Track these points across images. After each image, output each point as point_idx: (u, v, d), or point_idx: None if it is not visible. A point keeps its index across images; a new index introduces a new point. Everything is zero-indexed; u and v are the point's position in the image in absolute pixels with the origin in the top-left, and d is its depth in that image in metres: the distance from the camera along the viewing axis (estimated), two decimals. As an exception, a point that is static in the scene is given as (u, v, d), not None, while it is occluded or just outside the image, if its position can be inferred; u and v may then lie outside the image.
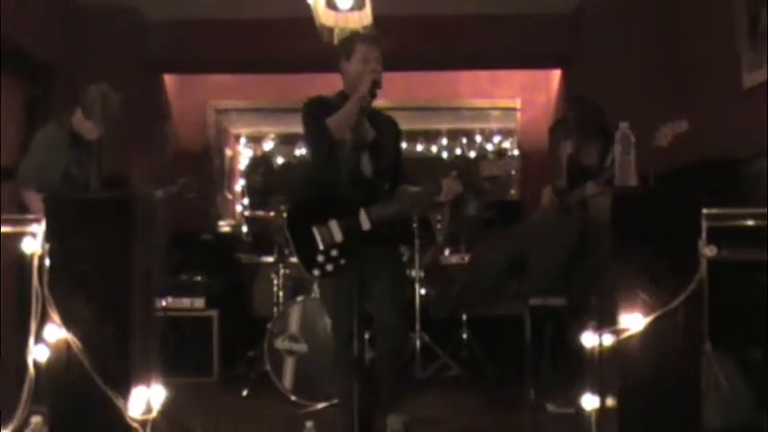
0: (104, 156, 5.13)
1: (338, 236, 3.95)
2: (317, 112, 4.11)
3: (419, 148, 9.47)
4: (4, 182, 5.73)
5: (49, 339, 3.04)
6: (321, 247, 4.00)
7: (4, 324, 5.10)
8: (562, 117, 5.79)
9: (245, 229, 8.81)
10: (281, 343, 5.64)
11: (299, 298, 5.84)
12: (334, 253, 4.00)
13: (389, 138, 4.22)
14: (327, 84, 8.07)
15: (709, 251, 3.06)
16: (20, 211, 4.81)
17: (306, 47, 6.31)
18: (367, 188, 4.01)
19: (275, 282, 6.43)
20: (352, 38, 4.25)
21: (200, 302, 6.66)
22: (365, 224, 3.96)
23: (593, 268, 3.43)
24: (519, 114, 8.97)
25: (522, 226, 5.41)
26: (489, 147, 9.36)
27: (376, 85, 3.88)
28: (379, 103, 4.11)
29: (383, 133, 4.18)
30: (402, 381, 4.36)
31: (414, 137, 9.35)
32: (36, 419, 3.07)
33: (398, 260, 4.39)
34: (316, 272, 4.05)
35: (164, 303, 6.40)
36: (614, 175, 4.75)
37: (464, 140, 9.48)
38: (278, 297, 6.39)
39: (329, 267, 4.02)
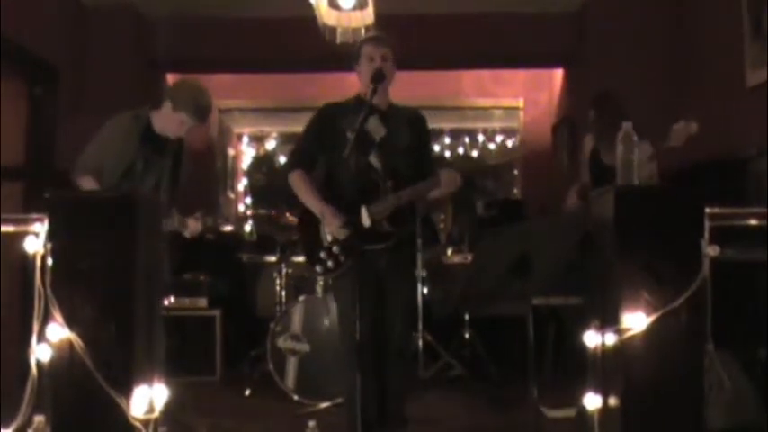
0: (185, 161, 4.80)
1: (367, 221, 3.99)
2: (318, 124, 4.22)
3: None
4: (6, 182, 5.74)
5: (51, 339, 3.04)
6: (326, 242, 4.08)
7: (7, 323, 5.11)
8: (566, 116, 5.78)
9: (247, 228, 8.81)
10: (283, 342, 5.65)
11: (302, 297, 5.85)
12: (335, 250, 4.06)
13: (408, 134, 4.18)
14: (329, 83, 8.13)
15: (711, 250, 3.06)
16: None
17: (308, 46, 6.32)
18: (372, 186, 4.04)
19: (278, 281, 6.43)
20: (360, 41, 4.30)
21: (202, 302, 6.67)
22: (365, 221, 3.99)
23: (596, 267, 3.42)
24: (522, 114, 8.97)
25: (526, 225, 5.40)
26: (492, 146, 9.36)
27: (376, 77, 3.91)
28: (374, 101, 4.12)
29: (401, 130, 4.17)
30: (406, 384, 4.38)
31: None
32: (39, 419, 3.07)
33: (413, 265, 4.39)
34: (318, 267, 4.13)
35: (166, 303, 6.40)
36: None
37: (467, 140, 9.48)
38: (280, 297, 6.39)
39: (330, 264, 4.08)
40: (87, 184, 4.39)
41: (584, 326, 3.40)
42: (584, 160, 5.44)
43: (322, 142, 4.13)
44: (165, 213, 4.51)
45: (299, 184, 4.18)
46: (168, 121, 4.55)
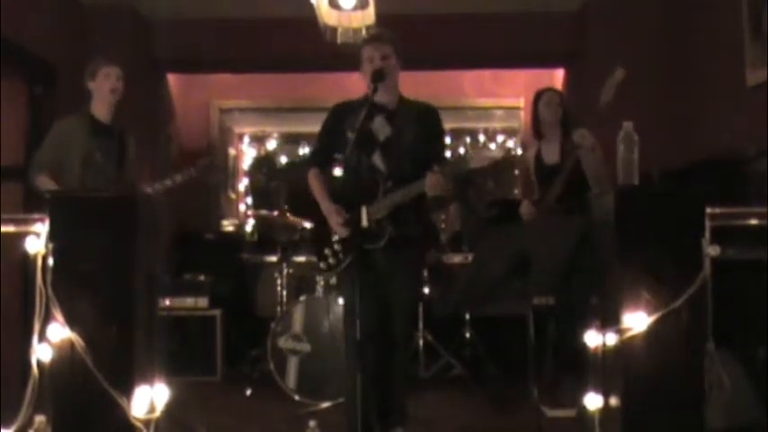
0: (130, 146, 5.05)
1: (365, 221, 4.05)
2: (330, 123, 4.29)
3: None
4: (6, 182, 5.73)
5: (52, 339, 3.04)
6: (335, 238, 4.15)
7: (8, 323, 5.11)
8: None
9: (248, 228, 8.81)
10: (284, 342, 5.65)
11: (303, 297, 5.85)
12: (337, 248, 4.15)
13: (415, 131, 4.16)
14: (330, 83, 8.13)
15: (712, 250, 3.06)
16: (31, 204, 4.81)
17: (309, 46, 6.31)
18: (373, 186, 4.08)
19: (279, 281, 6.43)
20: (361, 43, 4.30)
21: (203, 302, 6.67)
22: (364, 221, 4.04)
23: (597, 267, 3.42)
24: (522, 113, 8.96)
25: (526, 225, 5.40)
26: (492, 146, 9.36)
27: (375, 77, 3.94)
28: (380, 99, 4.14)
29: (407, 128, 4.15)
30: (407, 381, 4.41)
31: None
32: (40, 419, 3.07)
33: (415, 265, 4.39)
34: (321, 264, 4.25)
35: (167, 303, 6.41)
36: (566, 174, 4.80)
37: (468, 140, 9.46)
38: (281, 296, 6.39)
39: (332, 261, 4.18)
40: (43, 182, 4.67)
41: (575, 326, 3.40)
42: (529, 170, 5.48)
43: (333, 141, 4.17)
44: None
45: (313, 183, 4.29)
46: (101, 90, 4.88)
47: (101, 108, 4.90)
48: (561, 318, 5.15)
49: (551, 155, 5.30)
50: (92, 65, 4.92)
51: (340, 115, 4.20)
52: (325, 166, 4.29)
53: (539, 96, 5.40)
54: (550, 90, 5.49)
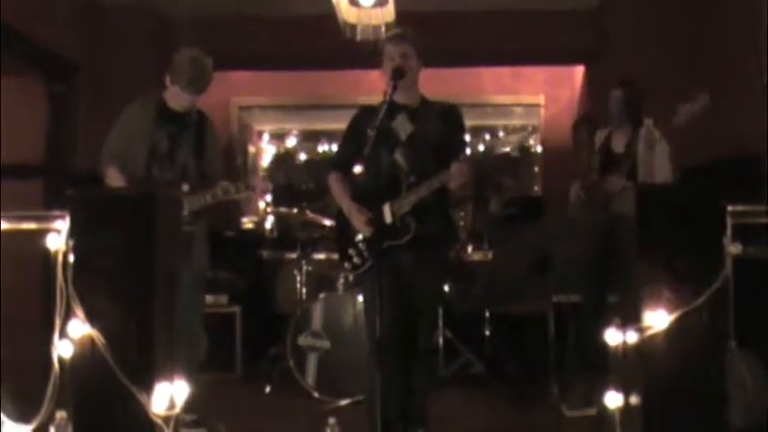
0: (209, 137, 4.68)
1: (388, 218, 4.04)
2: (352, 128, 4.28)
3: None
4: (26, 179, 5.77)
5: (73, 335, 3.06)
6: (357, 239, 4.14)
7: (31, 320, 5.14)
8: (586, 113, 5.72)
9: (268, 225, 8.82)
10: (303, 339, 5.65)
11: (322, 294, 5.85)
12: (361, 246, 4.13)
13: (438, 130, 4.16)
14: (350, 80, 8.13)
15: (734, 248, 3.04)
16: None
17: (329, 44, 6.32)
18: (396, 183, 4.07)
19: (298, 278, 6.44)
20: (382, 41, 4.29)
21: (223, 299, 6.69)
22: (387, 218, 4.02)
23: (618, 265, 3.41)
24: (542, 110, 8.94)
25: (546, 222, 5.38)
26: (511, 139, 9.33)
27: (395, 75, 3.93)
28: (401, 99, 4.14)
29: (430, 126, 4.16)
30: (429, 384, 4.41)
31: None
32: (61, 414, 3.09)
33: (439, 265, 4.37)
34: (346, 264, 4.22)
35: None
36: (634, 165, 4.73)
37: (487, 137, 9.44)
38: (301, 294, 6.40)
39: (356, 260, 4.16)
40: (112, 174, 4.39)
41: (600, 324, 3.38)
42: (594, 155, 5.40)
43: (355, 145, 4.14)
44: (201, 192, 4.45)
45: (333, 186, 4.29)
46: (171, 94, 4.49)
47: (173, 97, 4.50)
48: (582, 316, 5.12)
49: (619, 144, 5.22)
50: (185, 73, 4.35)
51: (361, 119, 4.17)
52: (347, 170, 4.30)
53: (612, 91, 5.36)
54: (621, 85, 5.39)
